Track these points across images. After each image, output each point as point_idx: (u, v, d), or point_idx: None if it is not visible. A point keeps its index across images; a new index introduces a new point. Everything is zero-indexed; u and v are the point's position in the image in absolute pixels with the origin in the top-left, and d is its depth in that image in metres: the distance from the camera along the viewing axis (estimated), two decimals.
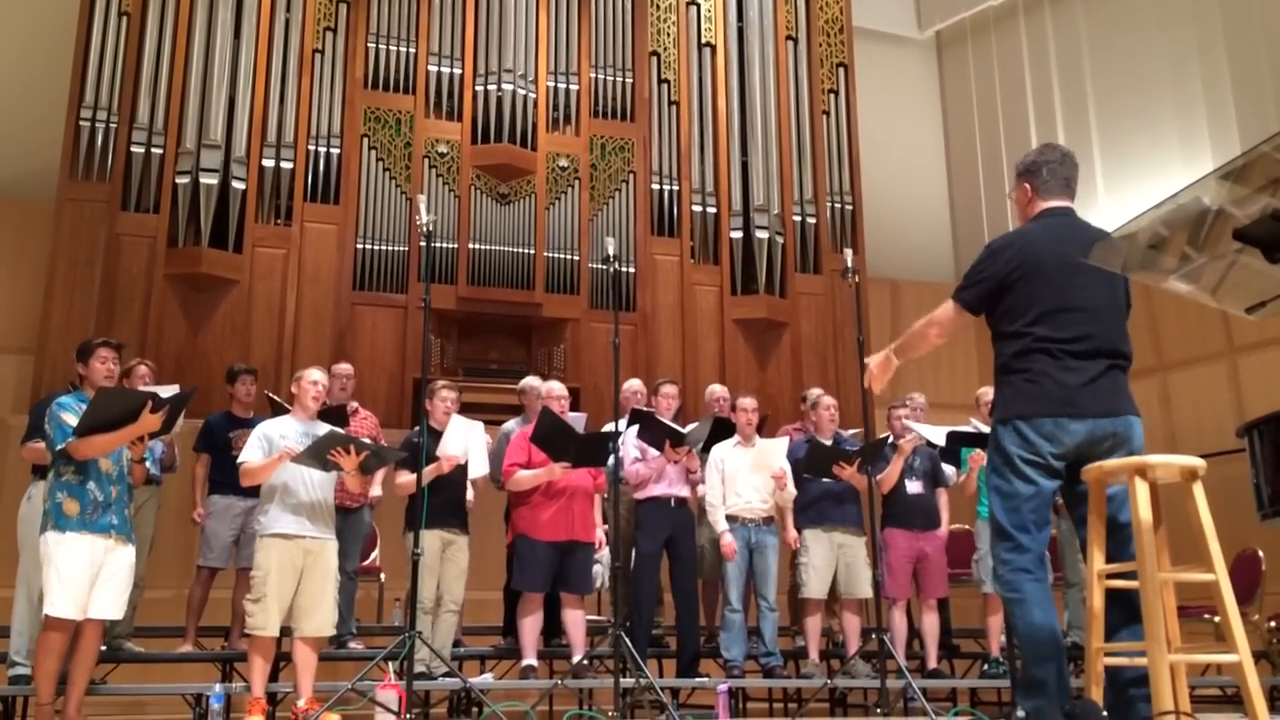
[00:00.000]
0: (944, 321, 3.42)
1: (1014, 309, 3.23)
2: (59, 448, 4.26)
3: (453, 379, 7.40)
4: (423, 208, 5.07)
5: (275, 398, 5.99)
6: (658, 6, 10.61)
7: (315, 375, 4.90)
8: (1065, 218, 3.34)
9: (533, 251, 9.52)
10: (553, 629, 5.76)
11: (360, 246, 9.31)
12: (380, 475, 5.88)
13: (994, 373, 3.33)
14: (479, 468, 5.49)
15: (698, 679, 5.54)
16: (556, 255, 9.63)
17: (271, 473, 4.64)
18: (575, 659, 5.38)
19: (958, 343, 11.33)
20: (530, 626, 5.38)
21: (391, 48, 9.74)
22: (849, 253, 5.77)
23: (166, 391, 4.49)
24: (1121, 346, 3.20)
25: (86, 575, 4.21)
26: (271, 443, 4.69)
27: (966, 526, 6.81)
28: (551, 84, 9.98)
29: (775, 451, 5.78)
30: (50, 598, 4.17)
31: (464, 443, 5.32)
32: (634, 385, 6.43)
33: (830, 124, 10.88)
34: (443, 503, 5.24)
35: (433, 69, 9.73)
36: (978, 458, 5.81)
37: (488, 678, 5.77)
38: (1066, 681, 3.11)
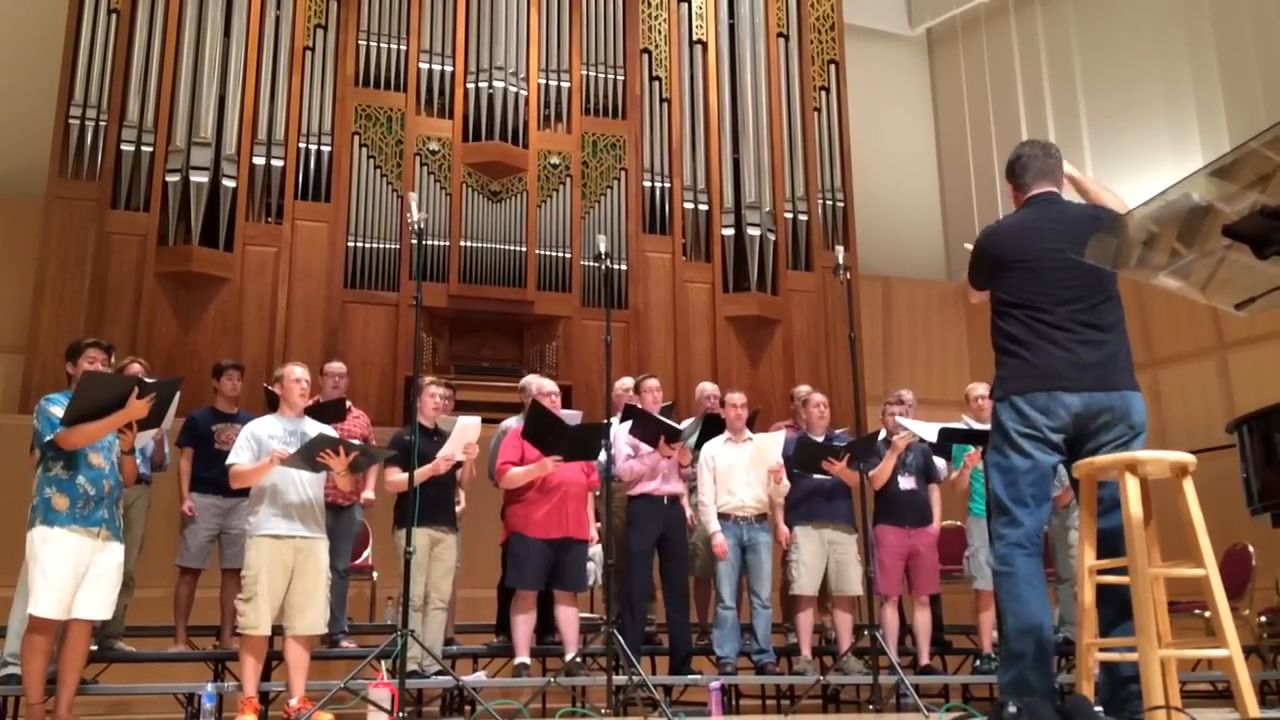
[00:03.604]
0: (971, 291, 3.70)
1: (1004, 291, 3.37)
2: (47, 439, 4.24)
3: (445, 377, 7.40)
4: (414, 205, 5.05)
5: (274, 390, 5.97)
6: (649, 4, 10.60)
7: (298, 372, 4.87)
8: (1047, 202, 3.46)
9: (524, 249, 9.51)
10: (545, 626, 5.75)
11: (351, 244, 9.30)
12: (374, 479, 5.88)
13: (994, 354, 3.44)
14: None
15: (690, 676, 5.55)
16: (548, 253, 9.63)
17: (261, 476, 4.62)
18: (568, 657, 5.38)
19: (949, 340, 11.40)
20: (523, 624, 5.37)
21: (382, 45, 9.72)
22: (840, 249, 5.78)
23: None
24: (1111, 320, 3.26)
25: (72, 574, 4.17)
26: (260, 444, 4.67)
27: (958, 523, 6.82)
28: (543, 81, 9.98)
29: (773, 446, 5.77)
30: (34, 596, 4.13)
31: (463, 443, 5.30)
32: (626, 383, 6.43)
33: (821, 121, 10.89)
34: (432, 501, 5.23)
35: (424, 66, 9.72)
36: (974, 456, 5.82)
37: (480, 676, 5.76)
38: (1048, 660, 3.15)
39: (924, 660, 6.02)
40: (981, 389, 6.15)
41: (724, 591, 5.72)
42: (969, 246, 3.73)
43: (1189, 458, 3.07)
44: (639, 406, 5.86)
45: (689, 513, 5.94)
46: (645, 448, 5.66)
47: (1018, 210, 3.53)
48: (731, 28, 10.75)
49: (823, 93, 10.98)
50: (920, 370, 10.98)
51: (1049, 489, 3.27)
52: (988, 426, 5.00)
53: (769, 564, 5.82)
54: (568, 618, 5.44)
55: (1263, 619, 6.69)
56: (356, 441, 5.00)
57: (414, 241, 5.08)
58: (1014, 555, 3.20)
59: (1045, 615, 3.17)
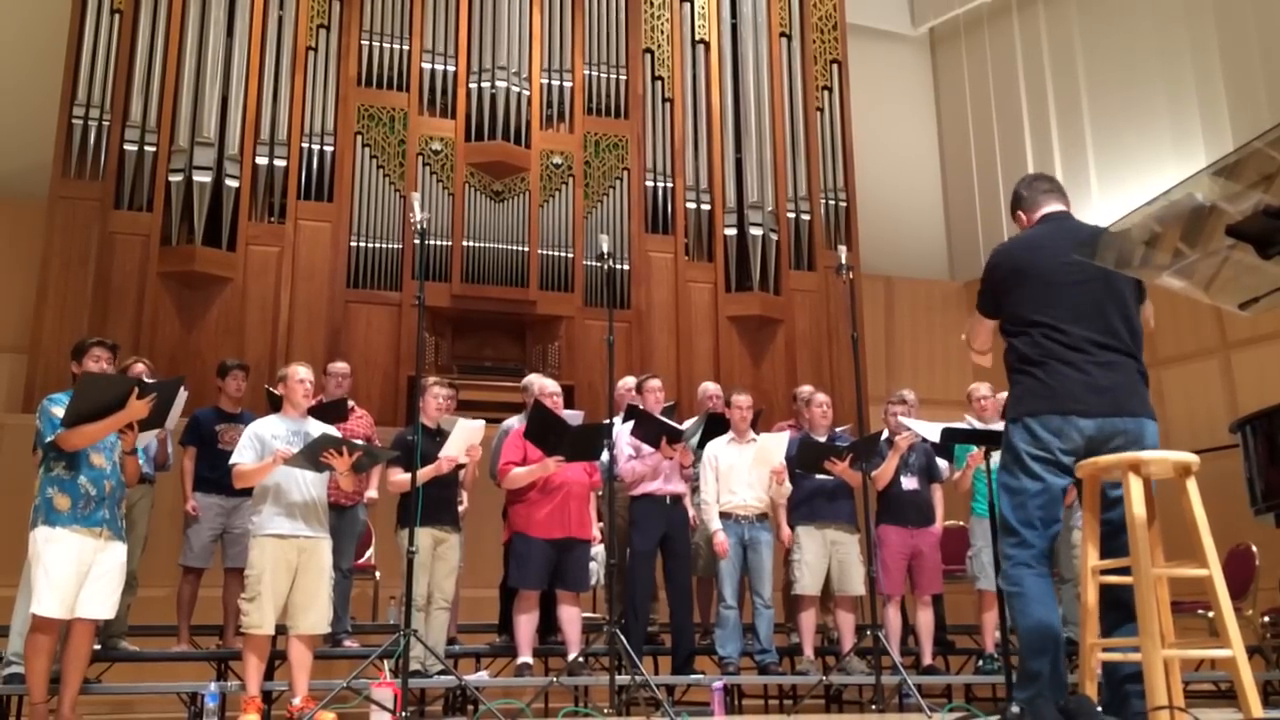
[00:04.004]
0: (975, 332, 3.57)
1: (1017, 310, 3.30)
2: (48, 440, 4.25)
3: (447, 376, 7.40)
4: (417, 205, 5.05)
5: (276, 391, 5.98)
6: (651, 3, 10.60)
7: (302, 373, 4.87)
8: (1060, 220, 3.41)
9: (527, 249, 9.51)
10: (548, 626, 5.76)
11: (354, 244, 9.31)
12: (377, 477, 5.88)
13: (1006, 372, 3.38)
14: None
15: (693, 676, 5.55)
16: (551, 253, 9.63)
17: (265, 476, 4.62)
18: (571, 656, 5.38)
19: (951, 340, 11.38)
20: (526, 624, 5.37)
21: (385, 45, 9.72)
22: (843, 249, 5.78)
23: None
24: (1129, 341, 3.22)
25: (74, 574, 4.18)
26: (264, 443, 4.67)
27: (961, 523, 6.82)
28: (545, 81, 9.98)
29: (776, 447, 5.76)
30: (38, 596, 4.14)
31: (465, 445, 5.30)
32: (628, 383, 6.42)
33: (824, 120, 10.89)
34: (435, 500, 5.23)
35: (426, 66, 9.72)
36: (976, 456, 5.81)
37: (483, 675, 5.77)
38: (1062, 675, 3.13)
39: (926, 660, 6.02)
40: (984, 389, 6.15)
41: (726, 591, 5.72)
42: (968, 343, 3.68)
43: (1192, 458, 3.07)
44: (640, 407, 5.86)
45: (691, 512, 5.94)
46: (647, 448, 5.66)
47: (1033, 227, 3.46)
48: (734, 27, 10.74)
49: (825, 92, 10.97)
50: (923, 370, 10.98)
51: (1058, 512, 3.24)
52: (990, 426, 5.02)
53: (770, 563, 5.82)
54: (570, 617, 5.44)
55: (1266, 619, 6.67)
56: (359, 442, 5.00)
57: (416, 241, 5.09)
58: (1023, 576, 3.18)
59: (1059, 631, 3.16)
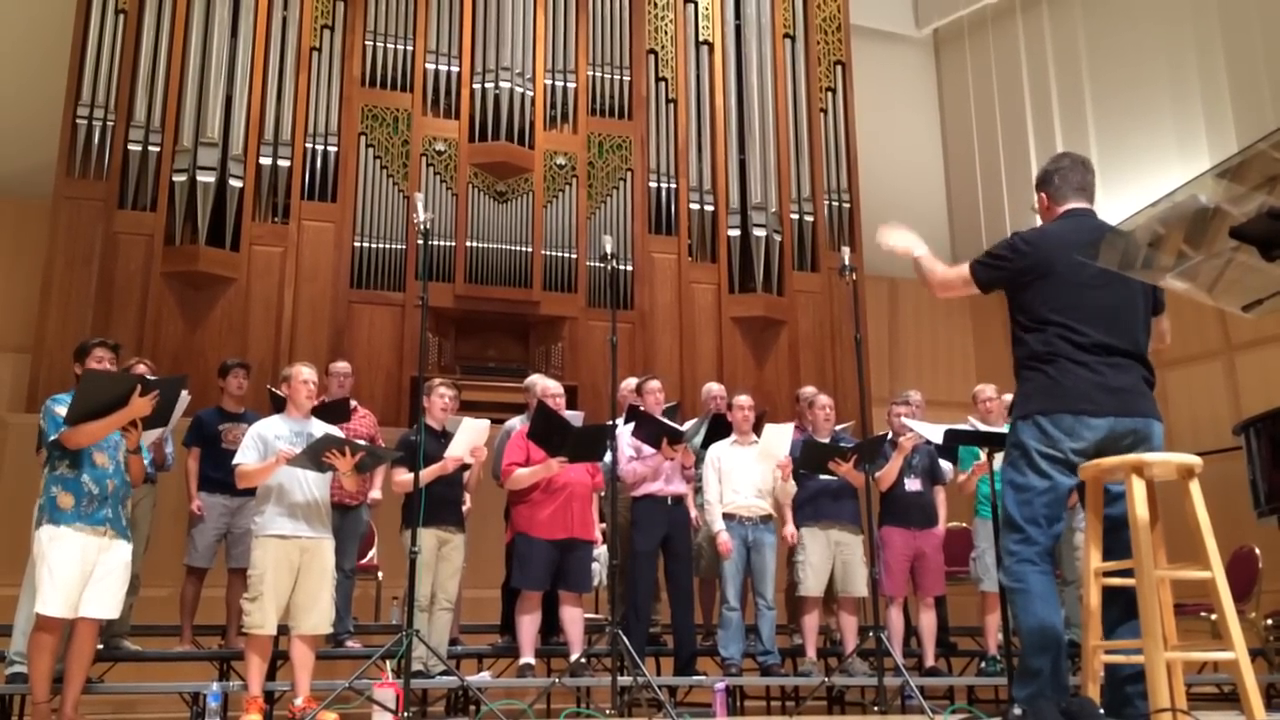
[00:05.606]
0: (951, 285, 3.53)
1: (1033, 306, 3.26)
2: (52, 439, 4.26)
3: (450, 377, 7.40)
4: (420, 206, 5.05)
5: (278, 392, 5.98)
6: (655, 4, 10.60)
7: (306, 373, 4.87)
8: (1085, 218, 3.35)
9: (530, 249, 9.52)
10: (550, 627, 5.76)
11: (358, 245, 9.32)
12: (380, 477, 5.88)
13: (1014, 368, 3.35)
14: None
15: (695, 677, 5.55)
16: (554, 253, 9.63)
17: (268, 476, 4.63)
18: (573, 657, 5.38)
19: (955, 341, 11.39)
20: (528, 625, 5.37)
21: (389, 46, 9.73)
22: (846, 250, 5.78)
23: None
24: (1140, 346, 3.21)
25: (79, 573, 4.18)
26: (267, 444, 4.68)
27: (964, 524, 6.81)
28: (549, 82, 9.98)
29: (780, 440, 5.74)
30: (42, 595, 4.14)
31: (470, 445, 5.30)
32: (632, 383, 6.43)
33: (828, 122, 10.89)
34: (439, 501, 5.24)
35: (430, 67, 9.73)
36: (982, 466, 5.78)
37: (485, 676, 5.77)
38: (1063, 674, 3.12)
39: (929, 662, 6.01)
40: (989, 390, 6.14)
41: (729, 592, 5.72)
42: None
43: (1195, 460, 3.06)
44: (640, 408, 5.86)
45: (694, 513, 5.94)
46: (648, 449, 5.65)
47: (1053, 221, 3.41)
48: (738, 28, 10.74)
49: (829, 94, 10.97)
50: (926, 371, 10.97)
51: (1063, 511, 3.24)
52: (994, 428, 5.02)
53: (773, 565, 5.82)
54: (572, 618, 5.44)
55: (1269, 622, 6.66)
56: (362, 442, 5.00)
57: (420, 242, 5.09)
58: (1027, 572, 3.17)
59: (1061, 630, 3.15)
